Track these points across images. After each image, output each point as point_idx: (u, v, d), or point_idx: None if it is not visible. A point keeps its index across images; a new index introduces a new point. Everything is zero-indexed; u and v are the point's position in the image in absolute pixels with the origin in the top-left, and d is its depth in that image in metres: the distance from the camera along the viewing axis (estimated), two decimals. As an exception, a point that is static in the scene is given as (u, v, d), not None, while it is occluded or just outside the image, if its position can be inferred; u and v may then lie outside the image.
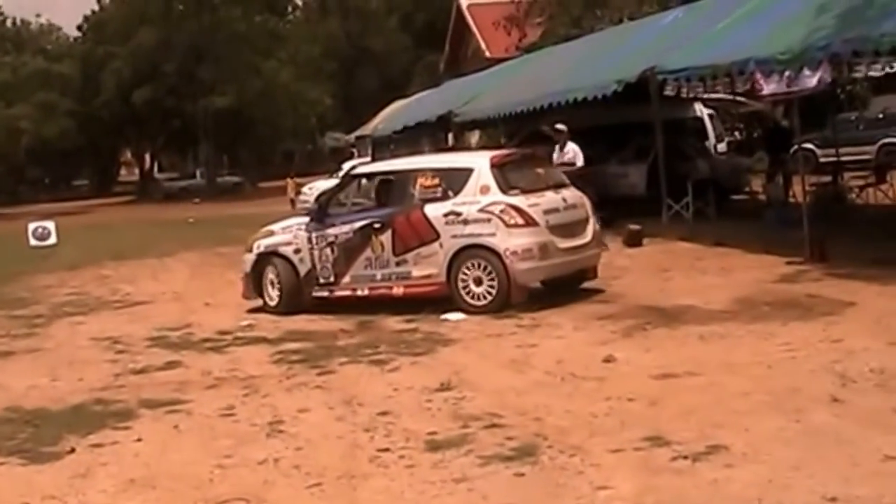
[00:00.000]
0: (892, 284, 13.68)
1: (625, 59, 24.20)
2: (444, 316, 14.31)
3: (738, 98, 27.23)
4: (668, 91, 20.60)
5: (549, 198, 15.18)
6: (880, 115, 39.22)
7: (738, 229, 20.40)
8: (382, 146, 37.48)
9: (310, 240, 15.86)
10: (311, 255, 15.83)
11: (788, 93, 16.52)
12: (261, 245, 16.42)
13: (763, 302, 13.45)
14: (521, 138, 27.54)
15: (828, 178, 24.99)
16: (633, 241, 20.17)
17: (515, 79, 32.33)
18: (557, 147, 22.37)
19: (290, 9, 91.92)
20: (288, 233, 16.24)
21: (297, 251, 15.94)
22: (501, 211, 14.55)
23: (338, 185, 17.81)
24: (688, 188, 22.79)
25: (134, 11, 77.16)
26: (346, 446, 8.67)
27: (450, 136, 35.48)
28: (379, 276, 15.34)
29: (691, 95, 20.84)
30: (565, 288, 15.26)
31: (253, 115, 75.32)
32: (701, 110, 28.16)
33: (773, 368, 10.06)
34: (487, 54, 53.92)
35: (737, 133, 37.54)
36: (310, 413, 9.91)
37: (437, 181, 15.19)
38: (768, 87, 16.55)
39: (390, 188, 16.18)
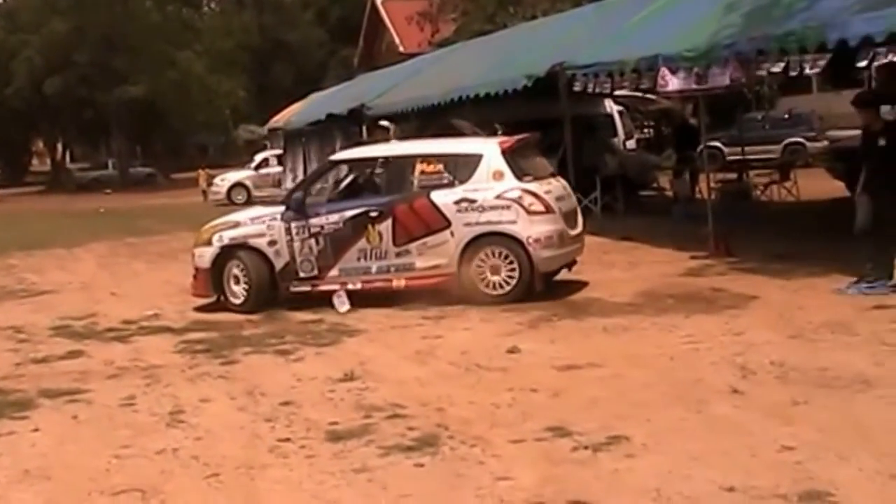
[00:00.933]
0: (794, 279, 13.89)
1: (536, 55, 24.26)
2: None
3: (648, 95, 27.48)
4: (577, 87, 20.64)
5: (555, 185, 14.92)
6: (786, 116, 40.09)
7: (646, 224, 20.72)
8: (294, 139, 37.23)
9: (288, 231, 14.77)
10: (290, 247, 14.75)
11: (699, 90, 16.69)
12: (223, 237, 15.15)
13: (667, 295, 13.58)
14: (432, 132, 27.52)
15: (734, 176, 25.33)
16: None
17: (428, 73, 32.34)
18: None
19: (205, 1, 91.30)
20: (259, 223, 15.05)
21: (271, 243, 14.82)
22: (520, 198, 14.05)
23: (316, 173, 17.09)
24: (597, 183, 22.95)
25: (45, 0, 76.09)
26: (247, 436, 8.61)
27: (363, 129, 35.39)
28: (375, 269, 14.47)
29: (598, 91, 20.91)
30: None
31: (166, 106, 74.37)
32: (611, 107, 28.29)
33: (676, 360, 10.14)
34: (401, 49, 54.17)
35: (646, 130, 37.86)
36: (211, 403, 9.82)
37: (440, 167, 14.53)
38: (672, 84, 16.69)
39: (384, 175, 15.38)
